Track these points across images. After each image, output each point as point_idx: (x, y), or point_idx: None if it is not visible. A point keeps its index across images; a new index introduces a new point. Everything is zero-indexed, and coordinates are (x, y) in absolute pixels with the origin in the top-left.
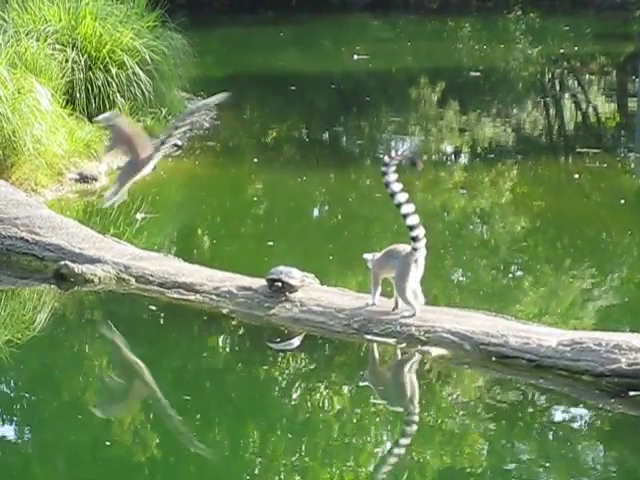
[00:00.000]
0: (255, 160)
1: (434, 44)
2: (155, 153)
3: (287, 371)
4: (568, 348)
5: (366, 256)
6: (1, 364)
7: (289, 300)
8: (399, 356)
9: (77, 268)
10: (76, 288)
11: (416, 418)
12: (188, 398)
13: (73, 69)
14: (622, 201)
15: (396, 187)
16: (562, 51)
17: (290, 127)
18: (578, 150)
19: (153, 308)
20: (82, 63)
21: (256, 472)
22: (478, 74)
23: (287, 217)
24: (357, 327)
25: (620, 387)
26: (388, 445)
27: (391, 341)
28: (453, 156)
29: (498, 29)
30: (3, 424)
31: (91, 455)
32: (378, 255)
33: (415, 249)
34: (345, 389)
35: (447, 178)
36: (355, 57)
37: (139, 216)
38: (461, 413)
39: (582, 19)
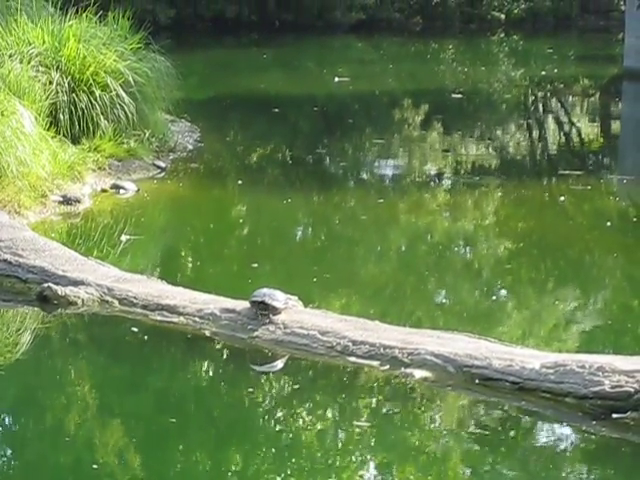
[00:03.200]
0: (239, 182)
1: (417, 66)
2: None
3: (270, 394)
4: (551, 370)
5: None
6: None
7: (272, 322)
8: (382, 379)
9: (60, 290)
10: (59, 310)
11: (399, 440)
12: (171, 420)
13: (57, 91)
14: (608, 223)
15: None
16: (545, 73)
17: (273, 149)
18: (561, 172)
19: (136, 330)
20: (66, 85)
21: None
22: (460, 96)
23: (271, 239)
24: (340, 349)
25: (603, 409)
26: (370, 467)
27: (374, 363)
28: (436, 178)
29: (481, 51)
30: None
31: (73, 478)
32: None
33: None
34: (328, 411)
35: (430, 200)
36: (336, 79)
37: (124, 238)
38: (444, 435)
39: (565, 41)
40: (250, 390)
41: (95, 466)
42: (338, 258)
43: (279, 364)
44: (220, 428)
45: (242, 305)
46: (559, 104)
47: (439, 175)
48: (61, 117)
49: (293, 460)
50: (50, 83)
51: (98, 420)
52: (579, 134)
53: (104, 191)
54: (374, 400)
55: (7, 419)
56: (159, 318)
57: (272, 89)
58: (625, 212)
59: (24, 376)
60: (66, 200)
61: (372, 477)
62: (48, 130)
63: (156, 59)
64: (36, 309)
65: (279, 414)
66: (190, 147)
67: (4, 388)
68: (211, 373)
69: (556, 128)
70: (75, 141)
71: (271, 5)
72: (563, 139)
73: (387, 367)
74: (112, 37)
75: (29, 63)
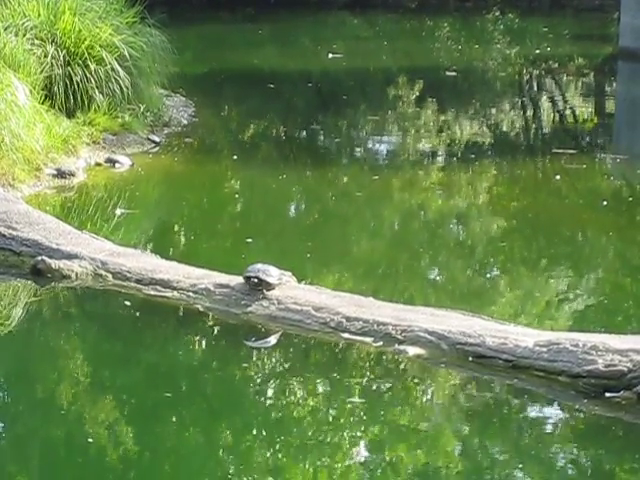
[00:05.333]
0: (233, 157)
1: (412, 43)
2: None
3: (263, 369)
4: (545, 349)
5: None
6: None
7: (266, 298)
8: (375, 355)
9: (54, 264)
10: (53, 284)
11: (391, 417)
12: (163, 395)
13: (52, 64)
14: (604, 203)
15: None
16: (540, 52)
17: (268, 124)
18: (555, 151)
19: (129, 304)
20: (61, 58)
21: (231, 470)
22: (455, 74)
23: (265, 214)
24: (334, 326)
25: (596, 388)
26: (363, 444)
27: (368, 340)
28: (430, 155)
29: (476, 29)
30: None
31: (65, 451)
32: None
33: None
34: (321, 388)
35: (424, 177)
36: (330, 55)
37: (118, 211)
38: (436, 412)
39: (560, 20)
40: (243, 365)
41: (90, 440)
42: (332, 234)
43: (272, 340)
44: (212, 403)
45: (236, 280)
46: (554, 83)
47: (433, 152)
48: (56, 90)
49: (285, 436)
50: (45, 56)
51: (91, 394)
52: (573, 113)
53: (98, 165)
54: (367, 377)
55: None
56: (152, 292)
57: (267, 65)
58: (619, 191)
59: (16, 349)
60: (60, 173)
61: (364, 453)
62: (43, 103)
63: (151, 33)
64: (29, 282)
65: (272, 390)
66: (185, 122)
67: None
68: (204, 348)
69: (550, 107)
70: (70, 115)
71: None
72: (557, 118)
73: (380, 344)
74: (107, 11)
75: (24, 36)
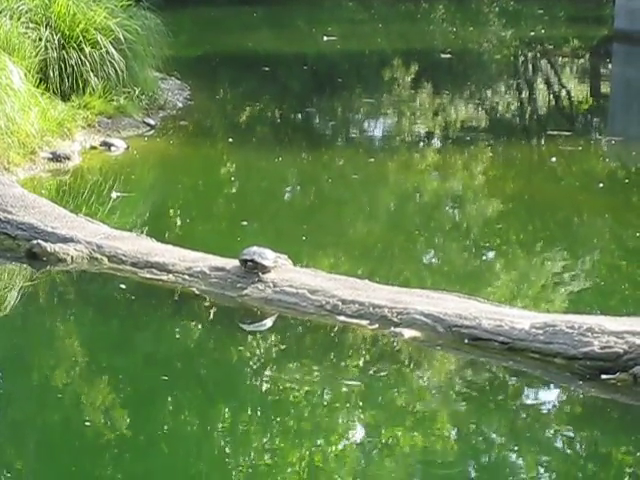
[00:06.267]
0: (229, 140)
1: (407, 26)
2: None
3: (259, 352)
4: (541, 331)
5: None
6: None
7: (262, 281)
8: (371, 338)
9: (49, 247)
10: (48, 267)
11: (387, 399)
12: (159, 378)
13: (46, 48)
14: (600, 185)
15: None
16: (535, 34)
17: (263, 108)
18: (551, 133)
19: (125, 288)
20: (55, 42)
21: (227, 451)
22: (450, 56)
23: (260, 197)
24: (329, 308)
25: (592, 370)
26: (358, 426)
27: (364, 323)
28: (426, 138)
29: (472, 12)
30: None
31: (61, 434)
32: None
33: None
34: (317, 370)
35: (420, 160)
36: (325, 38)
37: (114, 194)
38: (433, 395)
39: (556, 2)
40: (239, 348)
41: (88, 423)
42: (328, 217)
43: (268, 322)
44: (208, 386)
45: (231, 263)
46: (549, 65)
47: (428, 135)
48: (51, 74)
49: (281, 418)
50: (40, 40)
51: (86, 377)
52: (569, 95)
53: (93, 148)
54: (363, 359)
55: None
56: (148, 276)
57: (262, 47)
58: (614, 173)
59: (12, 333)
60: (55, 157)
61: (360, 435)
62: (37, 87)
63: (146, 16)
64: (25, 266)
65: (267, 372)
66: (180, 105)
67: None
68: (200, 331)
69: (546, 89)
70: (65, 98)
71: None
72: (553, 100)
73: (376, 326)
74: None
75: (19, 19)
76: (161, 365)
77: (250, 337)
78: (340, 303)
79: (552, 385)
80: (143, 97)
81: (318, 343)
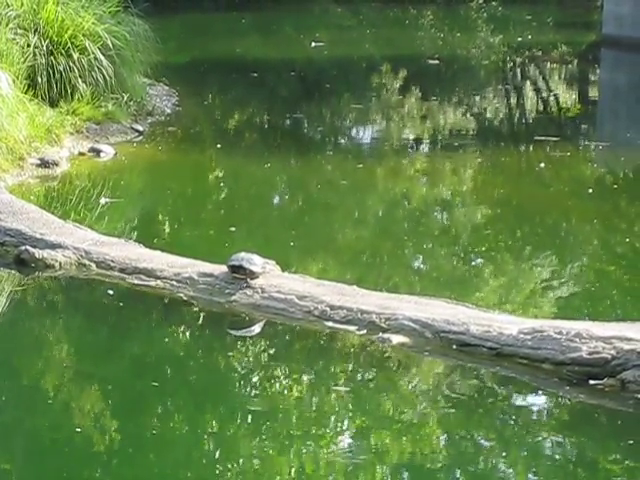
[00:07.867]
0: (217, 146)
1: (396, 32)
2: None
3: (247, 358)
4: (529, 336)
5: None
6: None
7: (250, 287)
8: (359, 344)
9: (38, 253)
10: (37, 273)
11: (375, 405)
12: (147, 384)
13: (35, 54)
14: (590, 190)
15: None
16: (523, 40)
17: (252, 114)
18: (539, 138)
19: (113, 294)
20: (44, 48)
21: (217, 457)
22: (438, 62)
23: (249, 203)
24: (318, 314)
25: (580, 376)
26: (347, 432)
27: (352, 328)
28: (414, 144)
29: (460, 17)
30: None
31: (49, 440)
32: None
33: None
34: (305, 376)
35: (408, 165)
36: (313, 44)
37: (103, 201)
38: (421, 401)
39: (544, 8)
40: (227, 354)
41: (77, 429)
42: (316, 223)
43: (256, 328)
44: (196, 392)
45: (220, 269)
46: (537, 71)
47: (417, 141)
48: (39, 80)
49: (270, 424)
50: (28, 46)
51: (75, 383)
52: (557, 101)
53: (82, 154)
54: (351, 365)
55: None
56: (136, 282)
57: (250, 53)
58: (602, 178)
59: (0, 339)
60: (44, 163)
61: (349, 441)
62: (26, 93)
63: (134, 22)
64: (13, 272)
65: (256, 378)
66: (168, 111)
67: None
68: (188, 337)
69: (534, 94)
70: (53, 104)
71: None
72: (541, 105)
73: (364, 332)
74: (90, 0)
75: (7, 25)
76: (150, 371)
77: (239, 343)
78: (328, 309)
79: (540, 391)
80: (131, 103)
81: (306, 349)
